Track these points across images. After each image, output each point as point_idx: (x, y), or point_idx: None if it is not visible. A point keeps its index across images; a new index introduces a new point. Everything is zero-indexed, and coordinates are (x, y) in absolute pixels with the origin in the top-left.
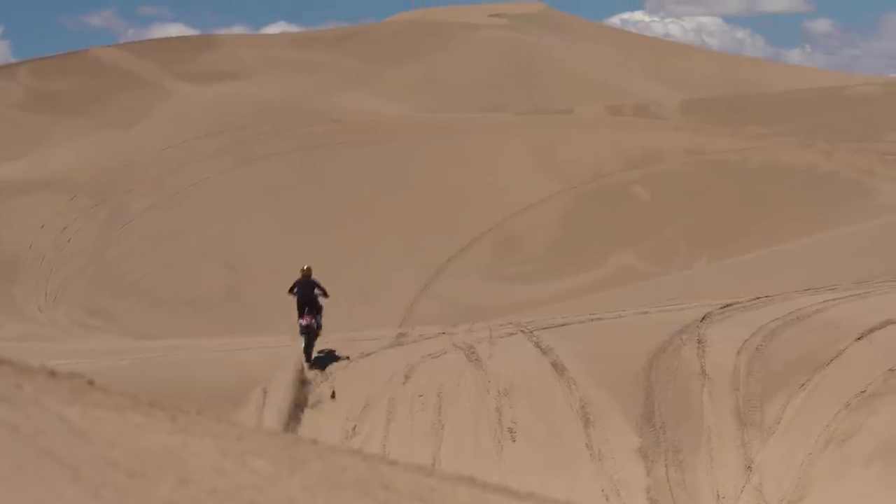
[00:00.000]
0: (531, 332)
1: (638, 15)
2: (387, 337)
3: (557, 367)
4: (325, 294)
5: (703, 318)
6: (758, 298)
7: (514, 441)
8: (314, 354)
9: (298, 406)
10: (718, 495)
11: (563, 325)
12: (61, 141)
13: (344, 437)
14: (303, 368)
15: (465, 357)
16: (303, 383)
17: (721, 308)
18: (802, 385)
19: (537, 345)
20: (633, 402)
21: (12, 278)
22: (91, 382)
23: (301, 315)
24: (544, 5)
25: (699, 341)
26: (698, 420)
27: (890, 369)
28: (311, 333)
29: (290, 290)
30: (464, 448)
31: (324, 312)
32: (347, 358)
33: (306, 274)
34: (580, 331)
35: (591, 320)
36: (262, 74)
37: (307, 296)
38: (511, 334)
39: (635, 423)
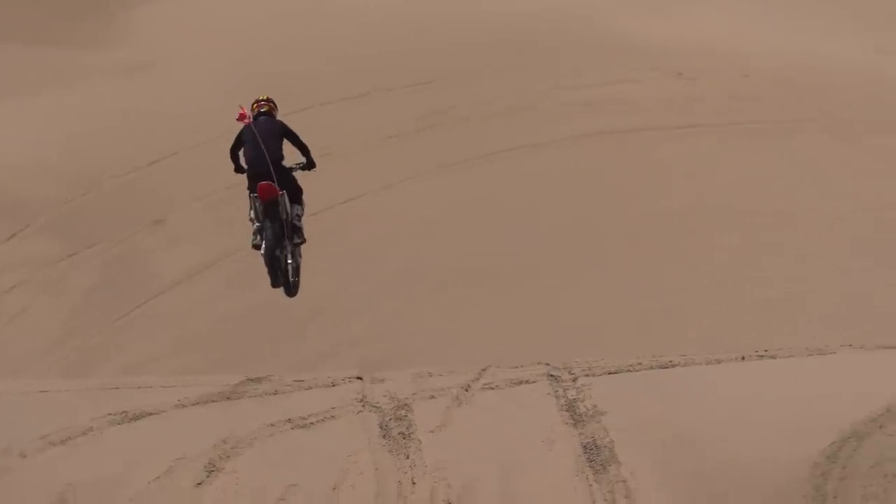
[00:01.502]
0: (574, 378)
1: None
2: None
3: (596, 461)
4: (306, 152)
5: None
6: None
7: None
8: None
9: None
10: None
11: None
12: None
13: None
14: None
15: (378, 427)
16: None
17: None
18: None
19: (568, 407)
20: None
21: None
22: None
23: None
24: None
25: None
26: None
27: None
28: (278, 219)
29: (235, 148)
30: None
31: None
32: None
33: (265, 109)
34: (667, 385)
35: (695, 364)
36: None
37: (271, 153)
38: (520, 382)
39: None
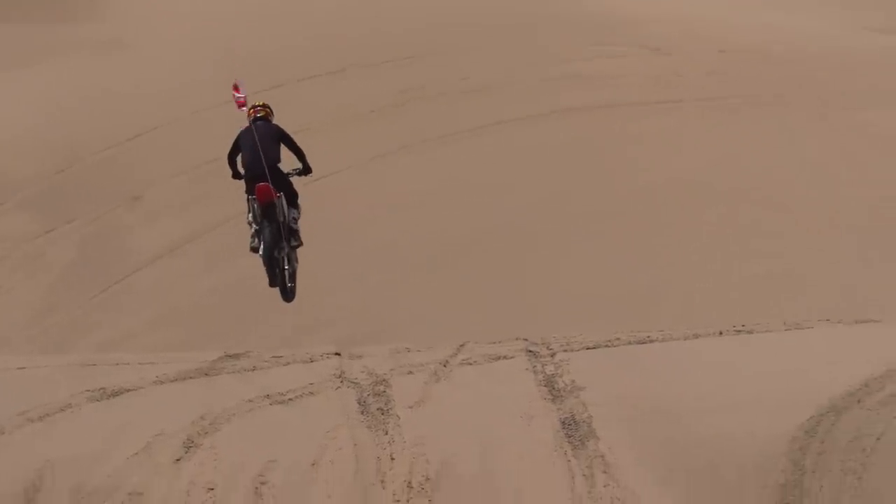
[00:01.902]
0: (552, 353)
1: None
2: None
3: (574, 436)
4: (302, 157)
5: None
6: None
7: None
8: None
9: None
10: None
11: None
12: None
13: None
14: None
15: (356, 403)
16: None
17: None
18: None
19: (547, 382)
20: None
21: None
22: None
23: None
24: None
25: None
26: None
27: None
28: (275, 220)
29: (232, 153)
30: None
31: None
32: None
33: (262, 114)
34: (645, 360)
35: (673, 340)
36: None
37: (268, 156)
38: (498, 358)
39: None
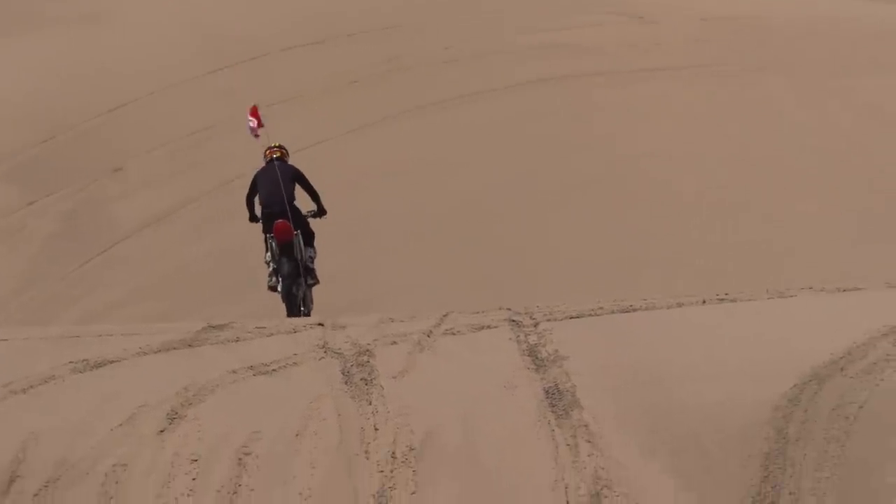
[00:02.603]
0: (535, 323)
1: None
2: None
3: (558, 406)
4: (316, 198)
5: None
6: None
7: None
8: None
9: None
10: None
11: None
12: None
13: None
14: None
15: (340, 373)
16: None
17: None
18: None
19: (530, 352)
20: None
21: None
22: None
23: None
24: None
25: None
26: None
27: None
28: (293, 258)
29: (250, 195)
30: None
31: None
32: None
33: (278, 155)
34: (628, 329)
35: (657, 308)
36: None
37: (286, 195)
38: (481, 328)
39: None
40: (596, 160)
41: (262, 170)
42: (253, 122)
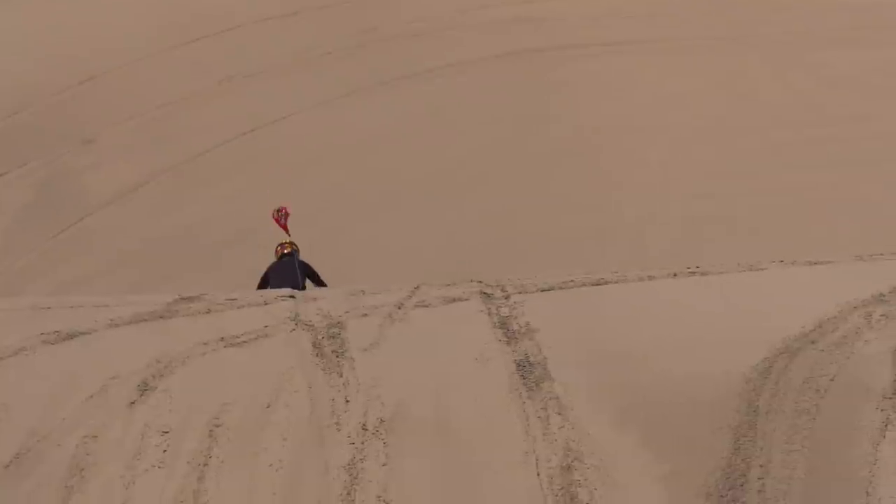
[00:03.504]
0: (507, 296)
1: None
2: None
3: (529, 378)
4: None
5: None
6: None
7: None
8: None
9: None
10: None
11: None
12: None
13: None
14: None
15: (311, 345)
16: None
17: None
18: None
19: (501, 324)
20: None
21: None
22: None
23: None
24: None
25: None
26: None
27: None
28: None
29: (261, 287)
30: None
31: None
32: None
33: (289, 251)
34: (600, 302)
35: (627, 281)
36: None
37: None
38: (453, 300)
39: None
40: (565, 133)
41: (275, 265)
42: (282, 221)
